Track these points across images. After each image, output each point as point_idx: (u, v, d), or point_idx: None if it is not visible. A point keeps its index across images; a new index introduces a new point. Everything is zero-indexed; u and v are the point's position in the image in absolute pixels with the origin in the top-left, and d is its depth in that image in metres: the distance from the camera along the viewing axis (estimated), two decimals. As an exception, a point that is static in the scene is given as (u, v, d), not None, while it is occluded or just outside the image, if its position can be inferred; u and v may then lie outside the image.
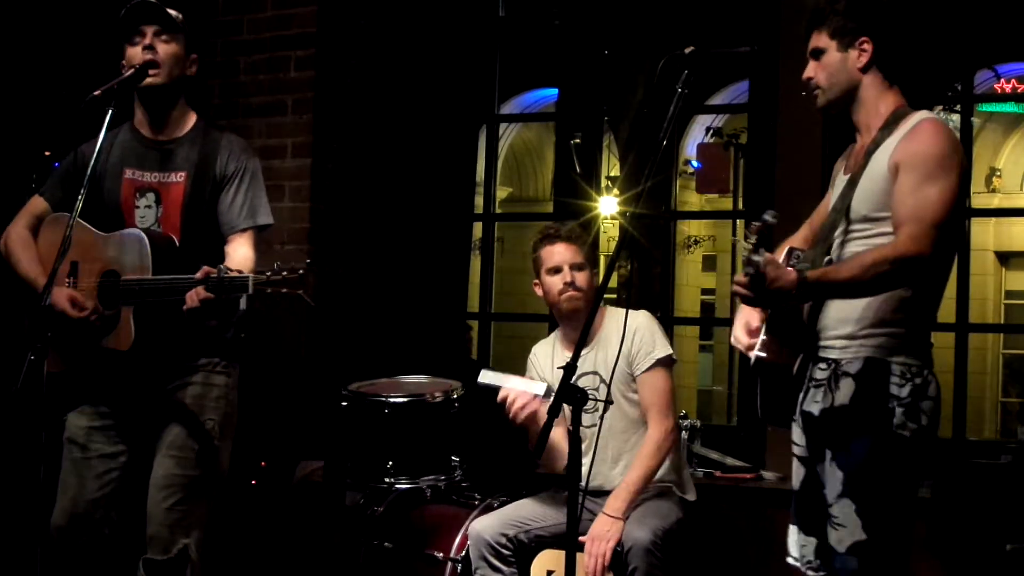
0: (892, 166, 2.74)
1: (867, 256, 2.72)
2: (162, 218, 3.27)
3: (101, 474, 3.28)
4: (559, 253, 3.76)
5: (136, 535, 3.33)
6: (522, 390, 3.58)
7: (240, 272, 3.01)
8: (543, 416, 3.65)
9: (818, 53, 2.89)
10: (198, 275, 3.01)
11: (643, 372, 3.70)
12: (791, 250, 2.88)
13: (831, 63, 2.86)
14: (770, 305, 2.82)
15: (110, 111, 3.12)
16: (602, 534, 3.50)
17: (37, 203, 3.38)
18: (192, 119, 3.37)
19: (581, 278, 3.74)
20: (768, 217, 2.58)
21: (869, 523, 2.73)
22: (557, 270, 3.76)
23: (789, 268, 2.69)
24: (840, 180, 2.94)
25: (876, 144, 2.81)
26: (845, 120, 2.97)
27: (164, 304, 3.11)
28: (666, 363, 3.72)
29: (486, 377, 3.65)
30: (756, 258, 2.58)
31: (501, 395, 3.57)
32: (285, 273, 3.00)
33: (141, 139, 3.33)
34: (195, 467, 3.28)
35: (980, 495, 4.15)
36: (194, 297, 3.00)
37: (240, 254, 3.28)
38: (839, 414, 2.78)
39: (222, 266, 3.02)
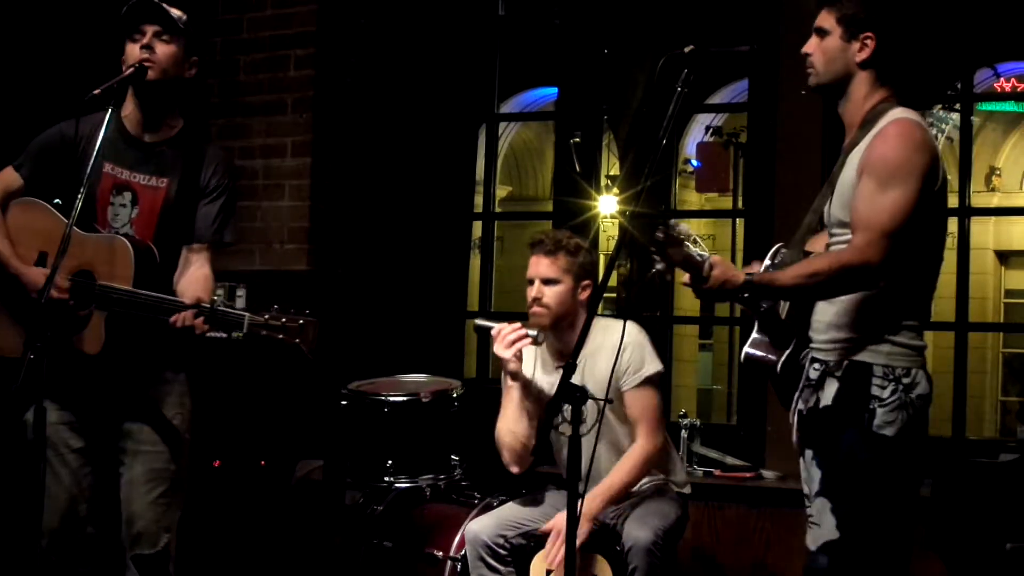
0: (859, 170, 2.75)
1: (813, 263, 2.76)
2: (136, 220, 3.26)
3: (77, 469, 3.27)
4: (533, 265, 3.73)
5: (110, 534, 3.34)
6: (517, 325, 3.58)
7: (232, 306, 3.02)
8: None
9: (822, 32, 2.88)
10: (188, 301, 3.04)
11: (631, 389, 3.66)
12: (778, 247, 2.92)
13: (831, 48, 2.86)
14: (717, 301, 2.87)
15: (110, 110, 3.11)
16: (564, 530, 3.47)
17: (9, 176, 3.32)
18: (179, 124, 3.35)
19: (550, 294, 3.67)
20: (674, 223, 2.67)
21: (842, 522, 2.73)
22: (531, 282, 3.73)
23: (738, 272, 2.73)
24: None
25: (853, 145, 2.82)
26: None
27: (141, 318, 3.12)
28: (655, 380, 3.68)
29: (480, 321, 3.68)
30: (696, 254, 2.66)
31: (496, 328, 3.58)
32: (284, 320, 3.01)
33: (124, 134, 3.28)
34: (171, 461, 3.30)
35: (980, 494, 4.15)
36: (182, 322, 3.03)
37: (203, 273, 3.28)
38: (822, 415, 2.79)
39: (216, 298, 3.04)
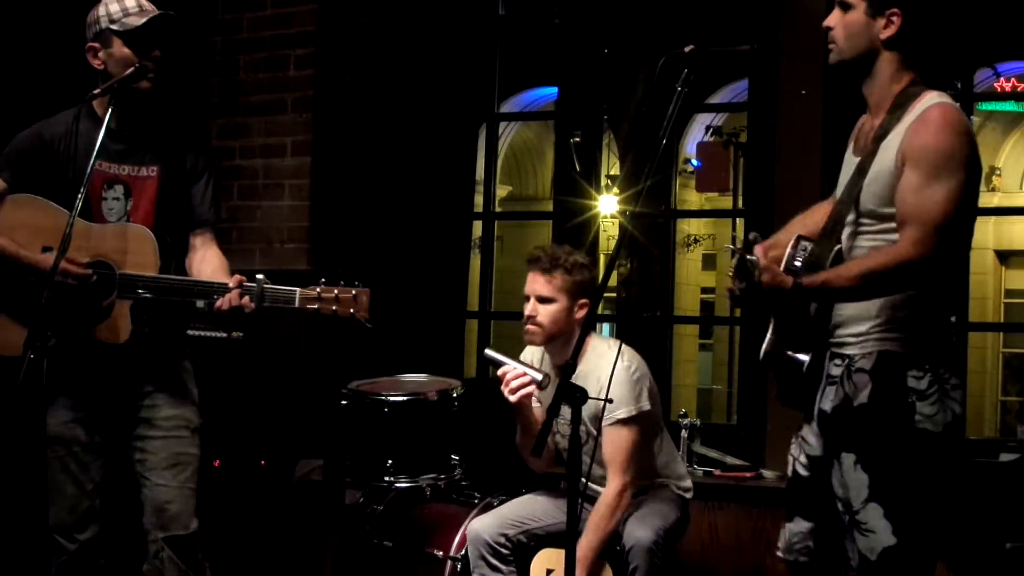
0: (899, 159, 2.65)
1: (866, 263, 2.66)
2: (132, 212, 3.25)
3: (89, 464, 3.27)
4: (529, 282, 3.68)
5: (123, 526, 3.34)
6: (523, 370, 3.54)
7: (267, 282, 3.02)
8: (537, 413, 3.67)
9: (845, 6, 2.77)
10: (231, 283, 3.05)
11: (606, 426, 3.57)
12: (799, 239, 2.80)
13: (855, 23, 2.75)
14: (761, 307, 2.80)
15: (110, 109, 3.11)
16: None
17: None
18: (155, 112, 3.32)
19: (544, 312, 3.63)
20: (751, 240, 2.59)
21: (899, 527, 2.65)
22: (527, 298, 3.69)
23: (786, 275, 2.65)
24: (850, 160, 2.84)
25: (884, 130, 2.71)
26: (846, 114, 2.93)
27: (170, 302, 3.15)
28: (628, 422, 3.58)
29: (491, 352, 3.65)
30: (751, 258, 2.58)
31: (502, 370, 3.54)
32: (336, 292, 2.99)
33: (107, 129, 3.21)
34: (193, 446, 3.32)
35: (980, 494, 4.14)
36: (228, 304, 3.03)
37: (215, 253, 3.31)
38: (858, 413, 2.70)
39: (259, 277, 3.03)
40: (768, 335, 2.82)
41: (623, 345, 3.49)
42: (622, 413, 3.57)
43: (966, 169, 2.63)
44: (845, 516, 2.74)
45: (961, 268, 2.82)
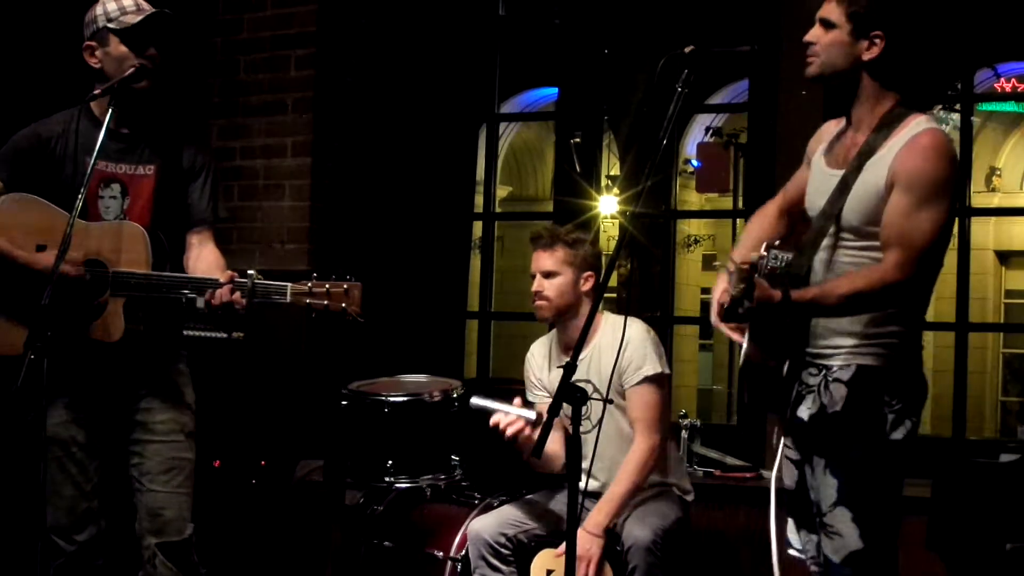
0: (888, 181, 2.68)
1: (853, 284, 2.69)
2: (128, 210, 3.25)
3: (87, 465, 3.27)
4: (534, 261, 3.77)
5: (122, 526, 3.35)
6: (515, 416, 3.54)
7: (259, 277, 3.01)
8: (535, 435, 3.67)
9: (828, 24, 2.77)
10: (222, 278, 3.04)
11: (631, 387, 3.67)
12: (768, 245, 2.79)
13: (837, 43, 2.76)
14: (750, 321, 2.79)
15: (110, 109, 3.11)
16: (584, 553, 3.47)
17: None
18: (153, 111, 3.32)
19: (550, 286, 3.70)
20: (755, 257, 2.61)
21: (866, 531, 2.70)
22: (533, 277, 3.75)
23: (775, 290, 2.64)
24: (825, 172, 2.85)
25: (870, 148, 2.73)
26: (843, 111, 2.92)
27: (163, 300, 3.15)
28: (655, 380, 3.67)
29: (478, 400, 3.63)
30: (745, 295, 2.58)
31: (493, 420, 3.55)
32: (328, 286, 2.99)
33: (106, 129, 3.22)
34: (187, 450, 3.32)
35: (980, 494, 4.14)
36: (219, 300, 3.02)
37: (212, 252, 3.31)
38: (832, 421, 2.75)
39: (250, 272, 3.03)
40: (744, 344, 2.83)
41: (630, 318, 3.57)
42: (649, 370, 3.66)
43: (951, 196, 2.69)
44: (817, 518, 2.80)
45: (933, 281, 2.83)
